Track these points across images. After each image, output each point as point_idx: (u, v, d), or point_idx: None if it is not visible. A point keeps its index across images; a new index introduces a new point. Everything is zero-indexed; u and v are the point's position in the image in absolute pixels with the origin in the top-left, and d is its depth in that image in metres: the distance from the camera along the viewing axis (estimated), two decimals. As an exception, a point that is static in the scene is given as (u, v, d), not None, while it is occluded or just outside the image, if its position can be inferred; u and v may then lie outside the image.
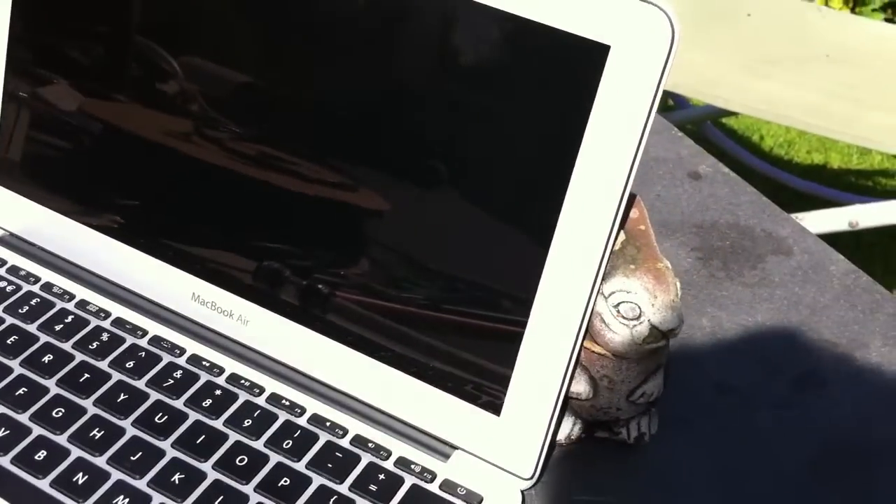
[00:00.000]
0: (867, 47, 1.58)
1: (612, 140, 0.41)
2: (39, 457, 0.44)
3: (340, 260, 0.48)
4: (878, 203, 1.42)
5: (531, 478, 0.45)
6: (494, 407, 0.45)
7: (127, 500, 0.43)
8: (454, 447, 0.46)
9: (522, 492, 0.46)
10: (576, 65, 0.41)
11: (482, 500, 0.44)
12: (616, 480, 0.48)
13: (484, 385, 0.45)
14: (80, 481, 0.43)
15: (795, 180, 1.93)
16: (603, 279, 0.43)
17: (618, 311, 0.42)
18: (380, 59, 0.45)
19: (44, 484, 0.43)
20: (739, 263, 0.63)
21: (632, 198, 0.45)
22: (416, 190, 0.45)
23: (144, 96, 0.51)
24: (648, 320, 0.42)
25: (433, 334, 0.46)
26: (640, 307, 0.42)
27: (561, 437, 0.48)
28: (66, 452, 0.44)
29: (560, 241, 0.42)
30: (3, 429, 0.45)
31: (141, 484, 0.43)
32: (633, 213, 0.44)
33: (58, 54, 0.53)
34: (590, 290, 0.42)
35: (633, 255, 0.43)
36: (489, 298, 0.45)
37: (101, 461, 0.44)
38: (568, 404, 0.48)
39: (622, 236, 0.44)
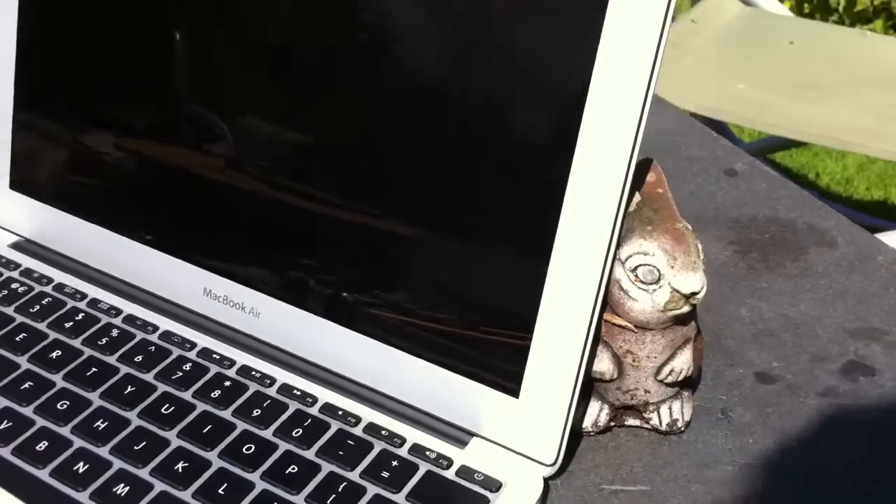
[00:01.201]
0: (915, 68, 1.54)
1: (619, 92, 0.39)
2: (41, 447, 0.42)
3: (349, 247, 0.46)
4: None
5: (553, 464, 0.42)
6: (512, 389, 0.43)
7: (127, 488, 0.41)
8: (472, 434, 0.44)
9: (545, 479, 0.43)
10: (578, 13, 0.39)
11: (501, 485, 0.42)
12: (648, 470, 0.45)
13: (500, 366, 0.43)
14: (81, 470, 0.42)
15: (858, 216, 1.87)
16: (619, 244, 0.40)
17: (636, 276, 0.40)
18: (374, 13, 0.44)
19: (5, 451, 0.41)
20: (780, 255, 0.60)
21: (648, 162, 0.43)
22: (422, 169, 0.44)
23: (153, 95, 0.50)
24: (668, 283, 0.39)
25: (446, 318, 0.44)
26: (658, 269, 0.39)
27: (588, 424, 0.45)
28: (69, 443, 0.43)
29: (570, 206, 0.40)
30: (7, 421, 0.44)
31: (143, 473, 0.42)
32: (650, 178, 0.42)
33: (68, 58, 0.53)
34: (605, 255, 0.39)
35: (649, 217, 0.40)
36: (501, 275, 0.43)
37: (104, 451, 0.42)
38: (593, 389, 0.45)
39: (637, 198, 0.41)
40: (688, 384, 0.45)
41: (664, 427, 0.45)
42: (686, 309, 0.40)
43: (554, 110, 0.40)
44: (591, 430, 0.46)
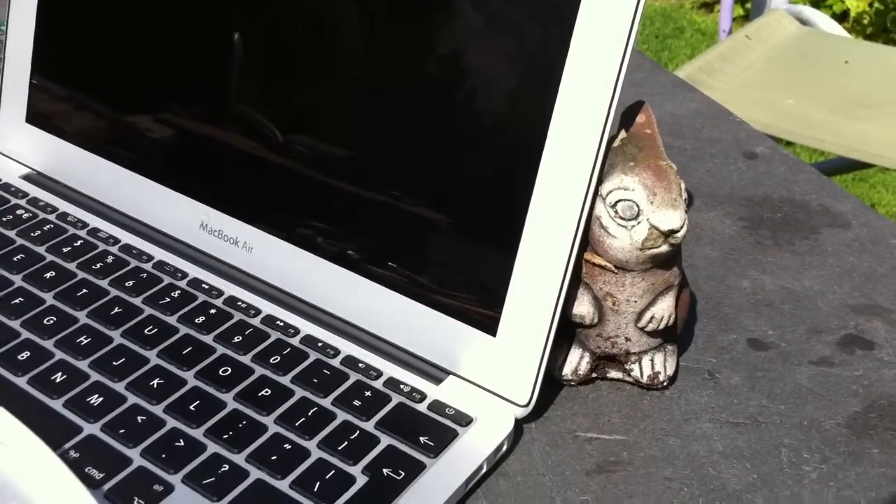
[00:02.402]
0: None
1: (603, 32, 0.38)
2: (23, 357, 0.43)
3: (337, 188, 0.46)
4: None
5: (526, 404, 0.42)
6: (490, 327, 0.42)
7: (101, 398, 0.41)
8: (449, 372, 0.44)
9: (518, 420, 0.42)
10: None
11: (472, 421, 0.41)
12: (626, 421, 0.44)
13: (480, 304, 0.43)
14: (58, 380, 0.42)
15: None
16: (601, 180, 0.40)
17: (615, 212, 0.39)
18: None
19: (22, 381, 0.42)
20: (790, 233, 0.59)
21: (639, 105, 0.42)
22: (413, 105, 0.44)
23: (160, 36, 0.51)
24: (647, 219, 0.39)
25: (429, 256, 0.44)
26: (637, 205, 0.39)
27: (568, 371, 0.45)
28: (50, 355, 0.43)
29: (552, 142, 0.40)
30: (-7, 332, 0.45)
31: (119, 386, 0.42)
32: (640, 119, 0.42)
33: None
34: (585, 191, 0.39)
35: (633, 154, 0.40)
36: (481, 212, 0.42)
37: (83, 364, 0.43)
38: (575, 336, 0.45)
39: (623, 135, 0.41)
40: (671, 337, 0.45)
41: (645, 379, 0.45)
42: (665, 248, 0.40)
43: (538, 48, 0.40)
44: (571, 378, 0.45)
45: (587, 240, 0.41)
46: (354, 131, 0.46)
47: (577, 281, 0.42)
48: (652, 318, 0.42)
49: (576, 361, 0.45)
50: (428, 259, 0.44)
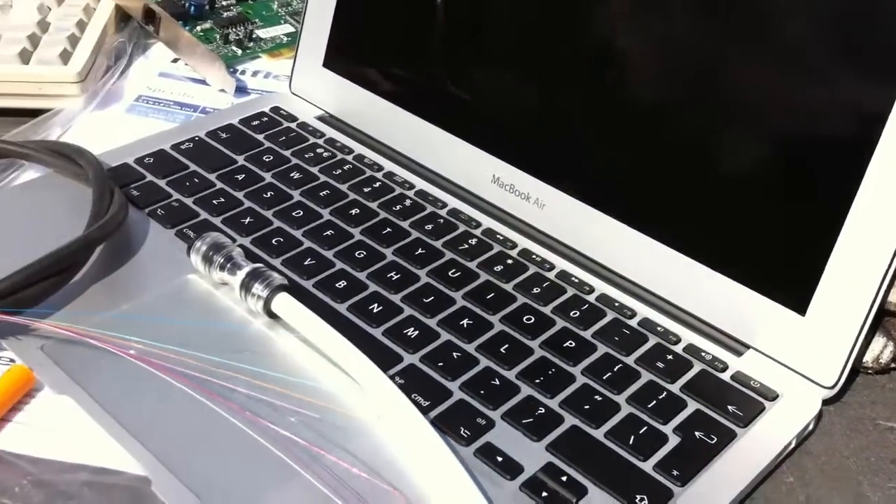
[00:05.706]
0: None
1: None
2: (340, 285, 0.46)
3: (641, 147, 0.46)
4: None
5: (832, 387, 0.42)
6: (799, 305, 0.42)
7: (417, 332, 0.43)
8: (748, 346, 0.44)
9: (822, 401, 0.42)
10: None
11: (777, 396, 0.41)
12: (927, 416, 0.43)
13: (791, 280, 0.42)
14: (375, 310, 0.44)
15: None
16: (947, 167, 0.39)
17: (962, 201, 0.38)
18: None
19: (342, 307, 0.44)
20: None
21: None
22: (735, 76, 0.43)
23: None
24: None
25: (739, 225, 0.44)
26: None
27: (868, 359, 0.44)
28: (364, 286, 0.46)
29: (894, 121, 0.39)
30: (310, 259, 0.47)
31: (431, 322, 0.44)
32: None
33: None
34: (931, 176, 0.38)
35: None
36: (803, 186, 0.42)
37: (396, 298, 0.45)
38: (881, 324, 0.44)
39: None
40: (985, 336, 0.44)
41: (950, 376, 0.44)
42: None
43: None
44: (870, 366, 0.44)
45: (919, 227, 0.41)
46: (668, 87, 0.46)
47: (898, 266, 0.41)
48: (974, 313, 0.41)
49: (878, 350, 0.44)
50: (737, 230, 0.44)
